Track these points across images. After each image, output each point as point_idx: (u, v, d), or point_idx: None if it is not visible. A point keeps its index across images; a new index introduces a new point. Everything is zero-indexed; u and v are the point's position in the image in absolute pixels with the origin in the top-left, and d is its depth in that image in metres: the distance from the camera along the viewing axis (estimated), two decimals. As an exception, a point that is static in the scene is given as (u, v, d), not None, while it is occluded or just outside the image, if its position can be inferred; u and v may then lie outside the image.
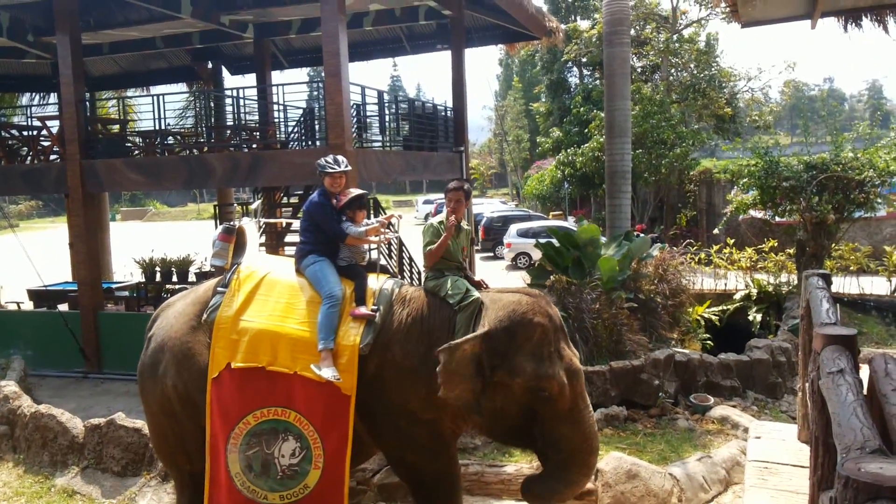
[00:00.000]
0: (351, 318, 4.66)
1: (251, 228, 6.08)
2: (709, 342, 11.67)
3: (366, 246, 5.28)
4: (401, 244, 12.38)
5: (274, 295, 4.86)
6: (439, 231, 4.86)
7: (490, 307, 4.47)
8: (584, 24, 30.59)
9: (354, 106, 10.58)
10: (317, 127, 12.04)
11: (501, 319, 4.36)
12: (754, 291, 13.42)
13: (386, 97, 11.95)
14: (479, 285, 5.00)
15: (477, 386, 4.29)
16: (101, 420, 7.17)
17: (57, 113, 12.07)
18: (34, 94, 17.61)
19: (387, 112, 11.89)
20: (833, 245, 13.28)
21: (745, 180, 13.15)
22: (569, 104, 32.35)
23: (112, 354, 11.03)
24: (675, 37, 26.89)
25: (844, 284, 13.56)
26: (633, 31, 24.84)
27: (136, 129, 13.23)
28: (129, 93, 18.45)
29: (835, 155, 12.29)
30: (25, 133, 12.86)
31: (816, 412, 2.85)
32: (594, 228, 10.54)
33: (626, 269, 9.92)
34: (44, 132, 12.51)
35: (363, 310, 4.66)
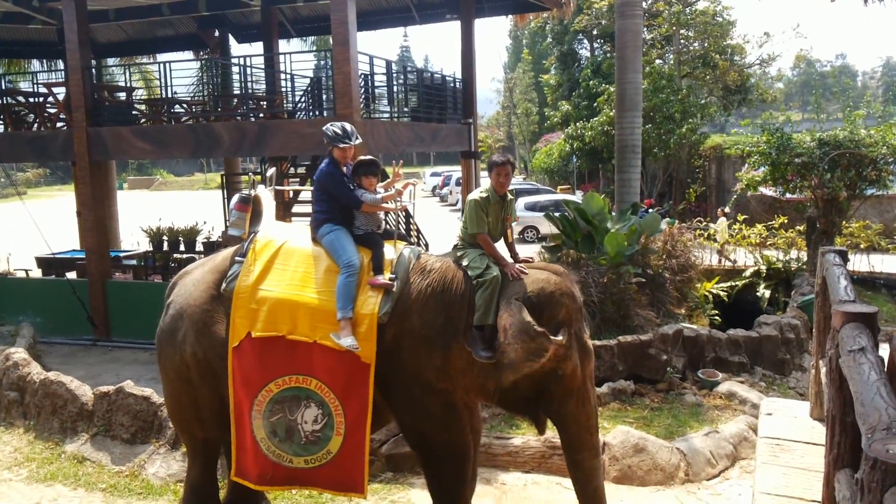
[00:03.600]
0: (369, 287, 4.64)
1: (267, 197, 6.02)
2: (717, 318, 11.66)
3: (381, 213, 5.22)
4: (408, 215, 12.33)
5: (292, 264, 4.84)
6: (482, 205, 4.74)
7: (514, 282, 4.45)
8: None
9: (363, 76, 10.46)
10: (324, 97, 11.93)
11: (529, 295, 4.36)
12: (763, 268, 13.36)
13: (394, 67, 11.81)
14: (524, 262, 4.87)
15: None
16: (110, 388, 7.19)
17: (63, 80, 11.97)
18: (40, 60, 17.50)
19: (395, 83, 11.76)
20: (844, 222, 13.18)
21: (755, 157, 13.03)
22: (578, 77, 32.00)
23: (120, 322, 11.09)
24: (687, 9, 26.46)
25: (855, 262, 13.46)
26: (644, 3, 24.45)
27: (143, 98, 13.14)
28: (134, 61, 18.30)
29: (848, 132, 12.15)
30: (32, 100, 12.79)
31: (833, 390, 2.82)
32: (599, 199, 10.50)
33: (635, 243, 9.86)
34: (50, 99, 12.44)
35: (381, 279, 4.63)
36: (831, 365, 2.95)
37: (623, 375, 8.07)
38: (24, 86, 14.87)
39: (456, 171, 32.29)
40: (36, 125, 12.35)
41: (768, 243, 14.52)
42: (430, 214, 26.92)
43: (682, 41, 27.13)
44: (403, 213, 11.98)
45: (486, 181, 4.97)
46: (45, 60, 17.40)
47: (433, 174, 46.22)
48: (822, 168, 11.81)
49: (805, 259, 12.98)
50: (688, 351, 8.51)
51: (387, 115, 12.08)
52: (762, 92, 27.98)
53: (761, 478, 3.87)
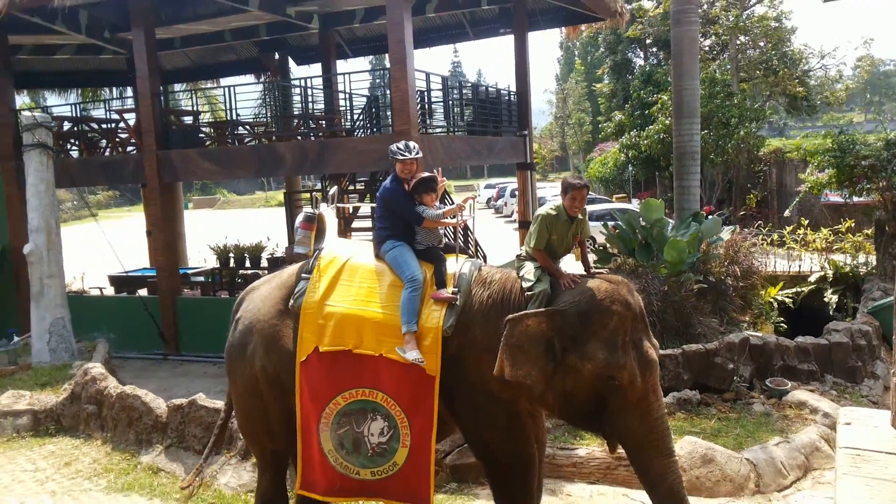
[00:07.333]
0: (432, 301, 4.71)
1: (330, 214, 6.17)
2: (782, 325, 11.36)
3: (442, 228, 5.30)
4: (466, 228, 12.41)
5: (356, 280, 4.94)
6: (548, 222, 4.73)
7: (566, 292, 4.45)
8: (648, 3, 29.80)
9: (419, 92, 10.62)
10: (381, 114, 12.15)
11: (578, 303, 4.33)
12: (830, 273, 12.96)
13: (449, 82, 11.95)
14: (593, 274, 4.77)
15: (548, 367, 4.32)
16: (183, 400, 7.40)
17: (133, 106, 12.50)
18: (111, 88, 18.30)
19: (451, 98, 11.90)
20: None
21: (819, 159, 12.70)
22: (632, 85, 31.71)
23: (189, 337, 11.43)
24: (745, 14, 25.95)
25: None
26: (700, 10, 24.08)
27: (209, 121, 13.59)
28: (199, 86, 18.97)
29: (916, 131, 11.77)
30: (104, 126, 13.38)
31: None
32: (657, 204, 10.32)
33: (696, 250, 9.71)
34: (121, 125, 12.99)
35: (444, 293, 4.70)
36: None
37: (688, 385, 7.93)
38: (97, 113, 15.56)
39: (510, 183, 32.27)
40: (108, 150, 12.91)
41: (835, 248, 14.09)
42: (486, 226, 26.95)
43: (738, 46, 26.59)
44: (462, 227, 12.08)
45: (557, 199, 4.93)
46: (115, 88, 18.21)
47: (487, 186, 46.24)
48: (890, 170, 11.44)
49: (874, 263, 12.55)
50: (755, 359, 8.32)
51: (443, 130, 12.23)
52: (827, 94, 27.17)
53: (843, 489, 3.74)
